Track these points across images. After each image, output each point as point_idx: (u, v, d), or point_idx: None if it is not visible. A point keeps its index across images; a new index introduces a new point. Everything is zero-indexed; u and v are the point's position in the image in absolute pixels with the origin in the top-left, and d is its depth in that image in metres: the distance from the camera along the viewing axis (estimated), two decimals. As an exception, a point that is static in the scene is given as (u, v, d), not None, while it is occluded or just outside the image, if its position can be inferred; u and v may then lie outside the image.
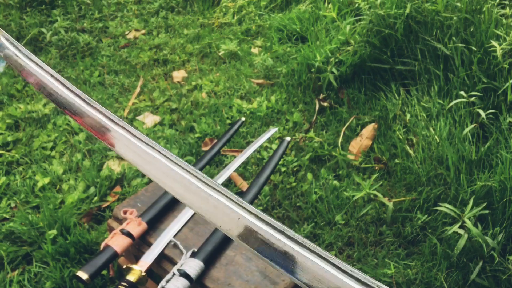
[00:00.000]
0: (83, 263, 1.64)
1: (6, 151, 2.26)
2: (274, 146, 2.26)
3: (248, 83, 2.78)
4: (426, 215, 1.79)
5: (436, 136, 2.04)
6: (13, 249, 1.74)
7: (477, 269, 1.53)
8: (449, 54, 2.25)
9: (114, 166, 2.17)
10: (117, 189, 2.05)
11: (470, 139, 1.97)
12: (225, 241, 1.41)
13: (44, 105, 2.58)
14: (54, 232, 1.73)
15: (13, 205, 1.96)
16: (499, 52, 2.02)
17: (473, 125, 1.99)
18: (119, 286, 1.25)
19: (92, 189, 2.02)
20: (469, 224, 1.54)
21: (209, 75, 2.92)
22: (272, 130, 2.03)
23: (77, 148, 2.29)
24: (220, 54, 3.10)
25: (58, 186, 2.07)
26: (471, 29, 2.22)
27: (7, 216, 1.90)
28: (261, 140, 1.93)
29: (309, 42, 2.82)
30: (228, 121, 2.46)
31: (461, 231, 1.56)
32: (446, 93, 2.22)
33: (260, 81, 2.81)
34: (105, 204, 1.97)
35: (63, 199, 1.97)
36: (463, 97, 2.05)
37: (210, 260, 1.34)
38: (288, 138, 1.93)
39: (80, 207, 1.94)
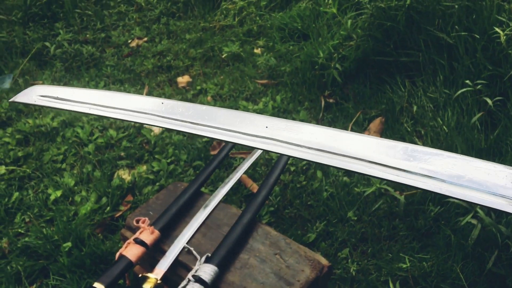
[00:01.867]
0: (99, 274, 1.65)
1: (17, 167, 2.28)
2: (282, 146, 2.25)
3: (252, 84, 2.78)
4: (439, 207, 1.78)
5: (444, 126, 2.03)
6: (29, 263, 1.76)
7: (493, 258, 1.53)
8: (453, 43, 2.23)
9: (124, 175, 2.19)
10: (129, 198, 2.06)
11: (479, 127, 1.96)
12: (239, 244, 1.41)
13: (52, 119, 2.60)
14: (69, 244, 1.75)
15: (27, 219, 1.99)
16: (503, 38, 2.00)
17: (480, 113, 1.97)
18: (136, 295, 1.26)
19: (104, 199, 2.03)
20: (481, 214, 1.53)
21: (214, 78, 2.93)
22: (279, 130, 2.03)
23: (87, 159, 2.31)
24: (223, 56, 3.11)
25: (70, 198, 2.09)
26: (474, 17, 2.21)
27: (22, 231, 1.92)
28: (269, 141, 1.93)
29: (311, 39, 2.82)
30: (235, 124, 2.46)
31: (474, 221, 1.55)
32: (452, 83, 2.21)
33: (264, 81, 2.81)
34: (118, 214, 1.98)
35: (76, 211, 1.99)
36: (469, 86, 2.04)
37: (224, 265, 1.35)
38: (295, 138, 1.93)
39: (93, 218, 1.95)
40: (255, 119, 0.71)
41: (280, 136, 0.70)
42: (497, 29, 2.03)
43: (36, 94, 0.94)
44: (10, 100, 1.05)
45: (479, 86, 2.02)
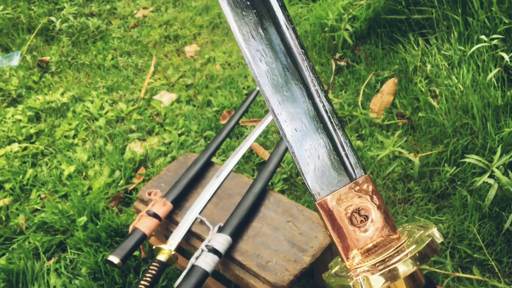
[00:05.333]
0: (115, 247, 1.67)
1: (30, 144, 2.29)
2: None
3: (261, 50, 2.72)
4: (454, 167, 1.75)
5: (459, 85, 1.97)
6: (47, 238, 1.78)
7: (511, 217, 1.49)
8: (467, -3, 2.14)
9: (136, 148, 2.19)
10: (142, 170, 2.07)
11: (495, 84, 1.90)
12: (251, 213, 1.40)
13: (62, 94, 2.60)
14: (84, 218, 1.77)
15: (42, 195, 2.00)
16: (520, -11, 1.91)
17: (497, 69, 1.90)
18: (150, 267, 1.27)
19: (117, 173, 2.04)
20: (498, 173, 1.49)
21: (222, 46, 2.88)
22: (289, 96, 1.99)
23: (99, 133, 2.31)
24: (230, 23, 3.04)
25: (84, 173, 2.10)
26: (489, -32, 2.11)
27: (38, 207, 1.94)
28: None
29: (320, 1, 2.74)
30: (245, 92, 2.43)
31: (491, 181, 1.52)
32: (467, 39, 2.13)
33: (273, 46, 2.75)
34: (131, 187, 1.99)
35: (90, 185, 2.00)
36: (485, 41, 1.96)
37: (237, 234, 1.35)
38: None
39: (107, 191, 1.96)
40: None
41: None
42: (513, -20, 1.94)
43: None
44: None
45: (495, 41, 1.95)
